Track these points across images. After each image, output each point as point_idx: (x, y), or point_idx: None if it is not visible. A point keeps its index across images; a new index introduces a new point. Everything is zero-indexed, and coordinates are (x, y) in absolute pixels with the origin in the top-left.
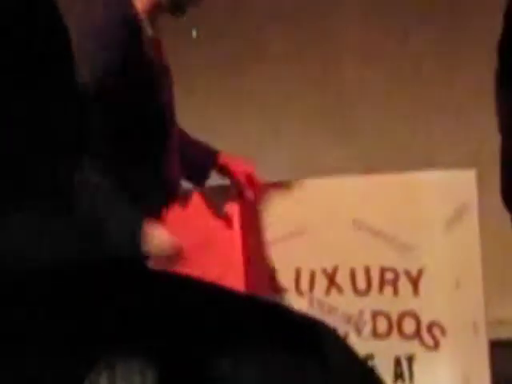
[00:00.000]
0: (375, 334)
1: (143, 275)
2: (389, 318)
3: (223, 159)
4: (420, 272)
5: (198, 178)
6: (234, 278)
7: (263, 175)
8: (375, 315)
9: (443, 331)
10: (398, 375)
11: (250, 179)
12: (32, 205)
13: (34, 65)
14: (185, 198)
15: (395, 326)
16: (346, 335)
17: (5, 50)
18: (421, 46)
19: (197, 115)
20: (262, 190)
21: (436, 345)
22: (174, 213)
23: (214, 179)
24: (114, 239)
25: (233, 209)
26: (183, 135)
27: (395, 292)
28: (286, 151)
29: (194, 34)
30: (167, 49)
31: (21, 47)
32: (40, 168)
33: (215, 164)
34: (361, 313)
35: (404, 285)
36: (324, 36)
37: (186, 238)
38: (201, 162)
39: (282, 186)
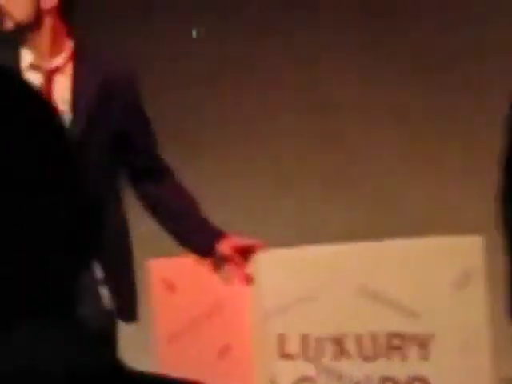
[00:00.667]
0: None
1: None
2: None
3: (225, 248)
4: (428, 337)
5: (200, 255)
6: (241, 346)
7: (275, 239)
8: (384, 381)
9: None
10: None
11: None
12: (40, 313)
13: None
14: (194, 262)
15: None
16: None
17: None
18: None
19: (205, 177)
20: (270, 255)
21: None
22: (183, 277)
23: None
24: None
25: (244, 271)
26: (187, 201)
27: (403, 357)
28: (289, 215)
29: (194, 34)
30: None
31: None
32: (48, 275)
33: (215, 250)
34: (369, 379)
35: (412, 350)
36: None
37: (194, 304)
38: (202, 242)
39: (289, 251)
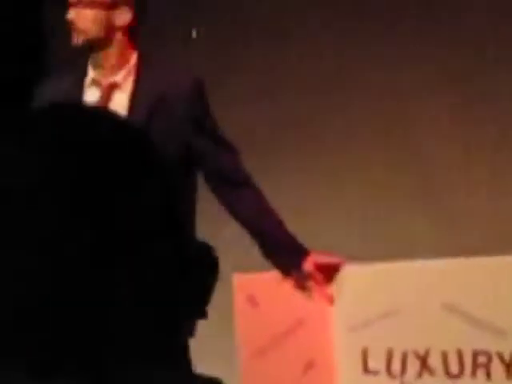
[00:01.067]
0: None
1: None
2: None
3: (309, 265)
4: None
5: (284, 271)
6: (325, 362)
7: (360, 252)
8: None
9: None
10: None
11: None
12: (154, 360)
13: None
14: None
15: None
16: None
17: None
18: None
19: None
20: (354, 269)
21: None
22: (267, 293)
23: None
24: None
25: (325, 290)
26: (273, 216)
27: (488, 375)
28: (374, 229)
29: (194, 34)
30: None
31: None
32: (160, 324)
33: (301, 267)
34: None
35: (497, 368)
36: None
37: (277, 319)
38: (288, 259)
39: (376, 267)
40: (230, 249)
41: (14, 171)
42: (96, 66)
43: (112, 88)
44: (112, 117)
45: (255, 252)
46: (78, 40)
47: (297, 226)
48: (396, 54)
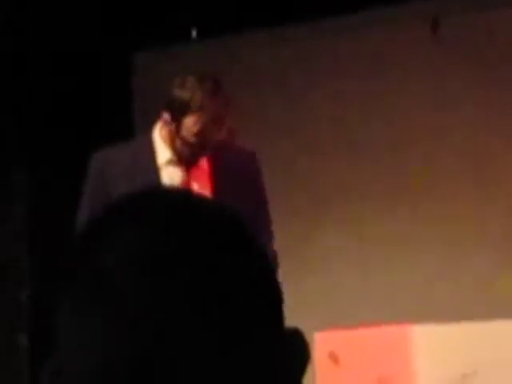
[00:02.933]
0: None
1: None
2: None
3: None
4: None
5: None
6: None
7: (438, 313)
8: None
9: None
10: None
11: None
12: None
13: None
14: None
15: None
16: None
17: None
18: None
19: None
20: (433, 329)
21: None
22: (349, 350)
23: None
24: None
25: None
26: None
27: None
28: (456, 289)
29: (194, 34)
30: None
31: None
32: None
33: None
34: None
35: None
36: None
37: (359, 377)
38: None
39: (454, 327)
40: (311, 305)
41: (125, 251)
42: (172, 148)
43: (193, 168)
44: (214, 201)
45: (336, 308)
46: (198, 143)
47: (378, 282)
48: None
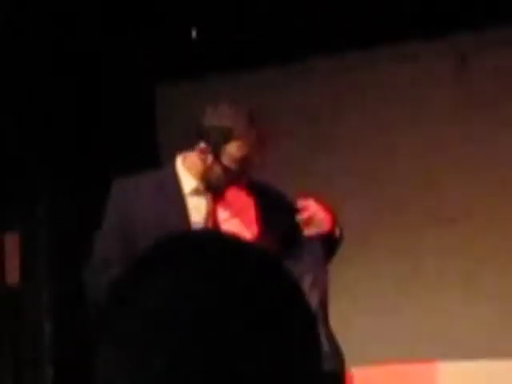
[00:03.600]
0: None
1: None
2: None
3: None
4: None
5: None
6: None
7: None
8: None
9: None
10: None
11: None
12: None
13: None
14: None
15: None
16: None
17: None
18: None
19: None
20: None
21: None
22: None
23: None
24: None
25: None
26: None
27: None
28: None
29: (194, 34)
30: None
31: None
32: None
33: None
34: None
35: None
36: None
37: None
38: None
39: (479, 364)
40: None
41: (163, 299)
42: (197, 178)
43: (218, 197)
44: (251, 245)
45: (361, 345)
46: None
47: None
48: None
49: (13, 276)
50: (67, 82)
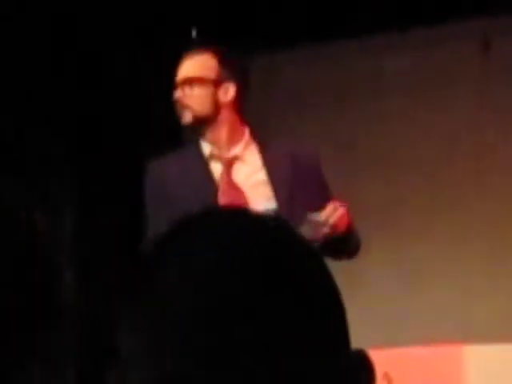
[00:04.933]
0: None
1: None
2: None
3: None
4: None
5: None
6: None
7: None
8: None
9: None
10: None
11: None
12: None
13: None
14: None
15: None
16: None
17: None
18: None
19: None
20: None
21: None
22: (402, 370)
23: None
24: None
25: None
26: None
27: None
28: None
29: (194, 34)
30: None
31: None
32: None
33: None
34: None
35: None
36: None
37: None
38: None
39: (505, 347)
40: (361, 324)
41: (189, 270)
42: (211, 142)
43: (233, 161)
44: (271, 220)
45: (385, 327)
46: (186, 119)
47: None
48: None
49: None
50: (67, 83)
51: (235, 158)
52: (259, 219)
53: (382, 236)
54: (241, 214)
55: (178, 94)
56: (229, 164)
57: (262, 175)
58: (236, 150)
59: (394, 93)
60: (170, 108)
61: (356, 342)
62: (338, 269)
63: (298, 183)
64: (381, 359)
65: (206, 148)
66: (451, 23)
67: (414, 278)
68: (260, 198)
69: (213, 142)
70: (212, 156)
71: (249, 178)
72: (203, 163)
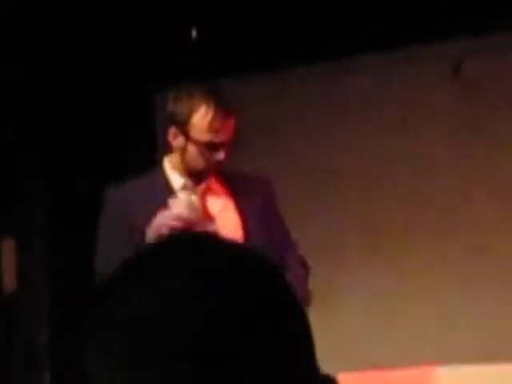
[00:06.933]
0: None
1: None
2: None
3: None
4: None
5: None
6: None
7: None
8: None
9: None
10: None
11: None
12: None
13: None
14: None
15: None
16: None
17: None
18: None
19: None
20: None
21: None
22: None
23: None
24: None
25: None
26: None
27: None
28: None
29: (194, 34)
30: None
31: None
32: None
33: None
34: None
35: None
36: None
37: None
38: None
39: (478, 368)
40: (334, 347)
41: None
42: (184, 175)
43: (206, 192)
44: (238, 246)
45: (359, 350)
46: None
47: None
48: None
49: (9, 282)
50: (66, 83)
51: (208, 189)
52: (227, 246)
53: (356, 258)
54: (206, 241)
55: (222, 155)
56: (203, 195)
57: (231, 205)
58: (208, 182)
59: (366, 114)
60: (146, 133)
61: (327, 366)
62: (312, 292)
63: (266, 212)
64: (352, 381)
65: (178, 179)
66: (421, 46)
67: (388, 299)
68: (230, 227)
69: (185, 175)
70: (185, 187)
71: (220, 208)
72: (169, 193)
